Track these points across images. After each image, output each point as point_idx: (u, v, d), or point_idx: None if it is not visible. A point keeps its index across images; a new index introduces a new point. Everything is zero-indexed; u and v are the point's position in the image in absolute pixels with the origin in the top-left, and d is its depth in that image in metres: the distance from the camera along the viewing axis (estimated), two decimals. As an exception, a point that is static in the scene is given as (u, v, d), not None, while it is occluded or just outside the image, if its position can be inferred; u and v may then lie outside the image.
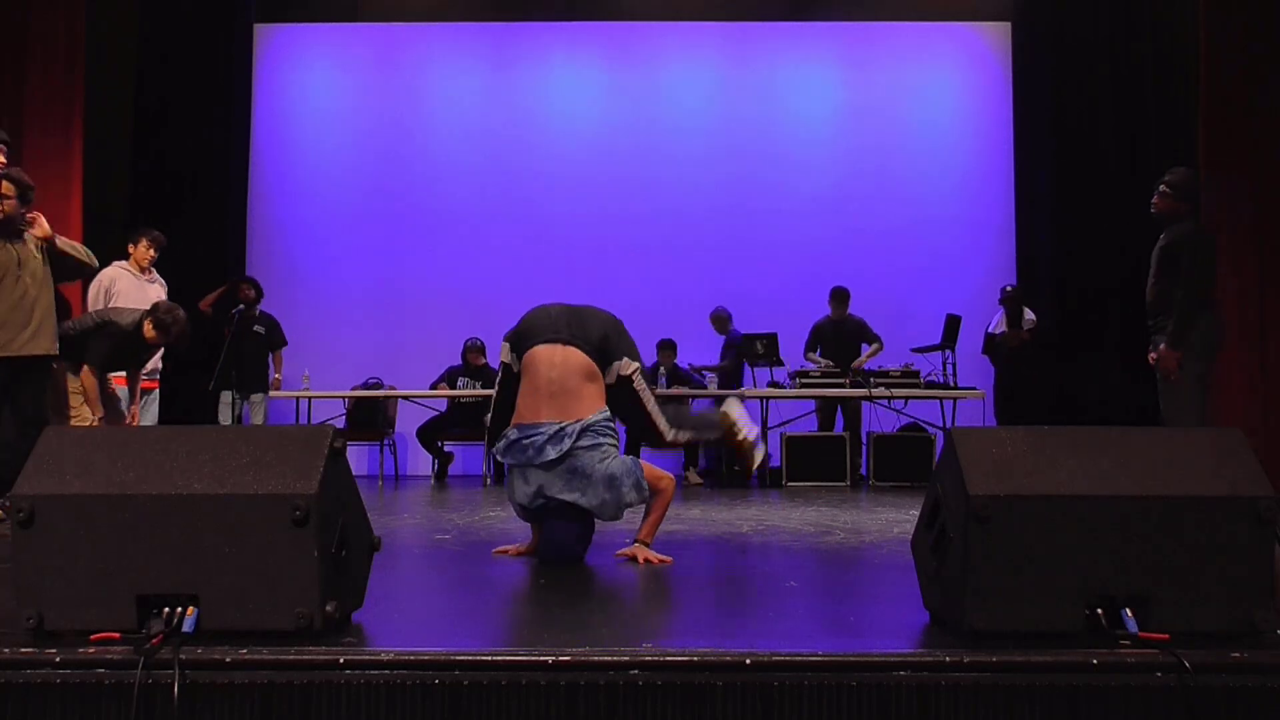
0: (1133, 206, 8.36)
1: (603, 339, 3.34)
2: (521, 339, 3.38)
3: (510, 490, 3.35)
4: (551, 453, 3.20)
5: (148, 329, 5.27)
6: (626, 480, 3.23)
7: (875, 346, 7.93)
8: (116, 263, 6.21)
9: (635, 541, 3.36)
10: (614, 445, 3.30)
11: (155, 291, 6.36)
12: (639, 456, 3.41)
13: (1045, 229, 8.81)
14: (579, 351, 3.30)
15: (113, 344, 5.23)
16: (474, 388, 7.94)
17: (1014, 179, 9.12)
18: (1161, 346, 4.78)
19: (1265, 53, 6.48)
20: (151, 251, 6.33)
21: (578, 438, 3.21)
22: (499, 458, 3.36)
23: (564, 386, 3.27)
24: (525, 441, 3.24)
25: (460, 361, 8.13)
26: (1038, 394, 8.00)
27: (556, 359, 3.29)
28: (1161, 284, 4.91)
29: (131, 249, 6.29)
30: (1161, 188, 4.99)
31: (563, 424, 3.22)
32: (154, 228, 7.88)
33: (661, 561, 3.28)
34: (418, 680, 1.83)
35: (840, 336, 7.99)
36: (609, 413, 3.34)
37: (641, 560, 3.27)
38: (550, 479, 3.23)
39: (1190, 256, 4.81)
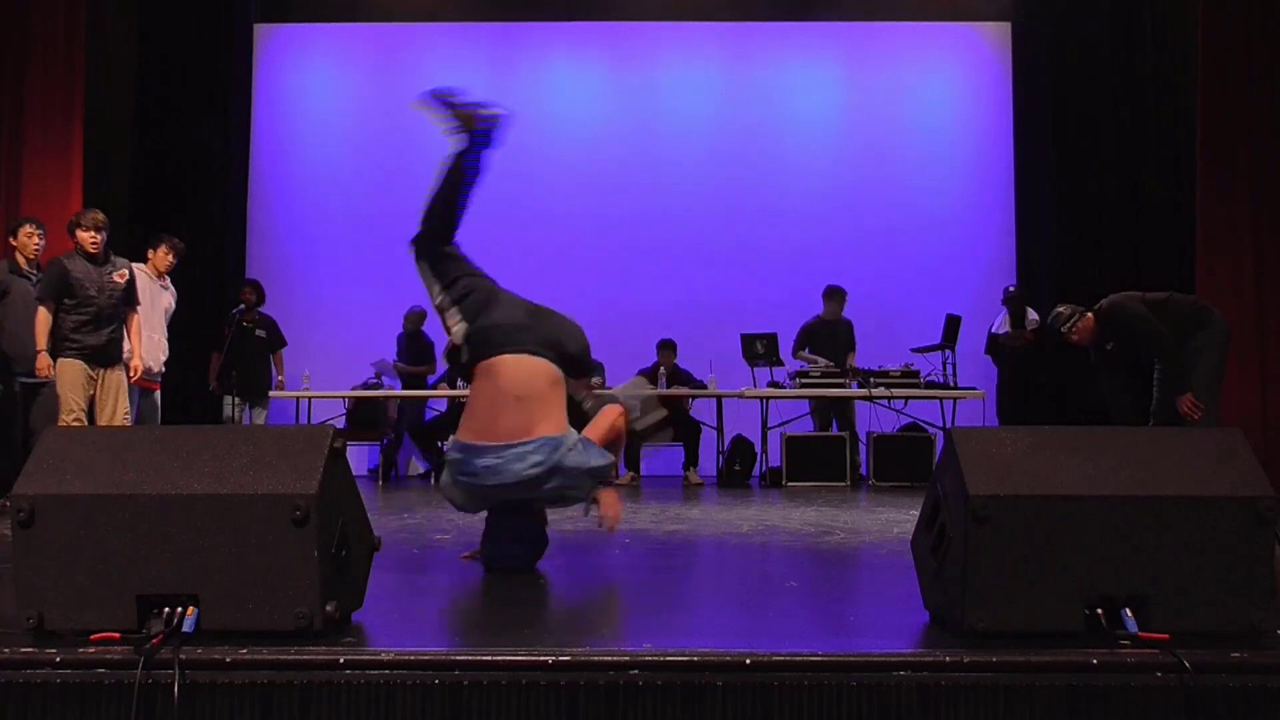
0: (1133, 207, 8.39)
1: (579, 353, 3.18)
2: (482, 343, 3.09)
3: (450, 491, 3.09)
4: (518, 476, 2.94)
5: (78, 237, 5.35)
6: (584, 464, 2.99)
7: (851, 354, 7.96)
8: (135, 264, 6.19)
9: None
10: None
11: (167, 299, 6.36)
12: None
13: (1045, 229, 8.80)
14: (545, 361, 3.06)
15: (59, 272, 5.29)
16: (474, 388, 7.94)
17: (1014, 179, 9.12)
18: (1184, 401, 5.08)
19: (1265, 53, 6.49)
20: (171, 258, 6.26)
21: (550, 471, 2.94)
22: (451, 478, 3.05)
23: (530, 392, 3.00)
24: (482, 464, 2.95)
25: (461, 361, 8.14)
26: (1040, 394, 8.00)
27: (523, 368, 3.02)
28: (1152, 365, 5.27)
29: (151, 254, 6.22)
30: (1065, 329, 5.42)
31: (525, 443, 2.93)
32: (153, 227, 7.82)
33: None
34: (418, 680, 1.83)
35: (833, 337, 8.00)
36: (574, 436, 3.05)
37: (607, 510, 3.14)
38: (508, 491, 2.98)
39: (1135, 337, 5.23)
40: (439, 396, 7.99)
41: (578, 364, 3.18)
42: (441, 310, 3.21)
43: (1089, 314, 5.38)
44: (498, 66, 9.28)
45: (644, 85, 9.28)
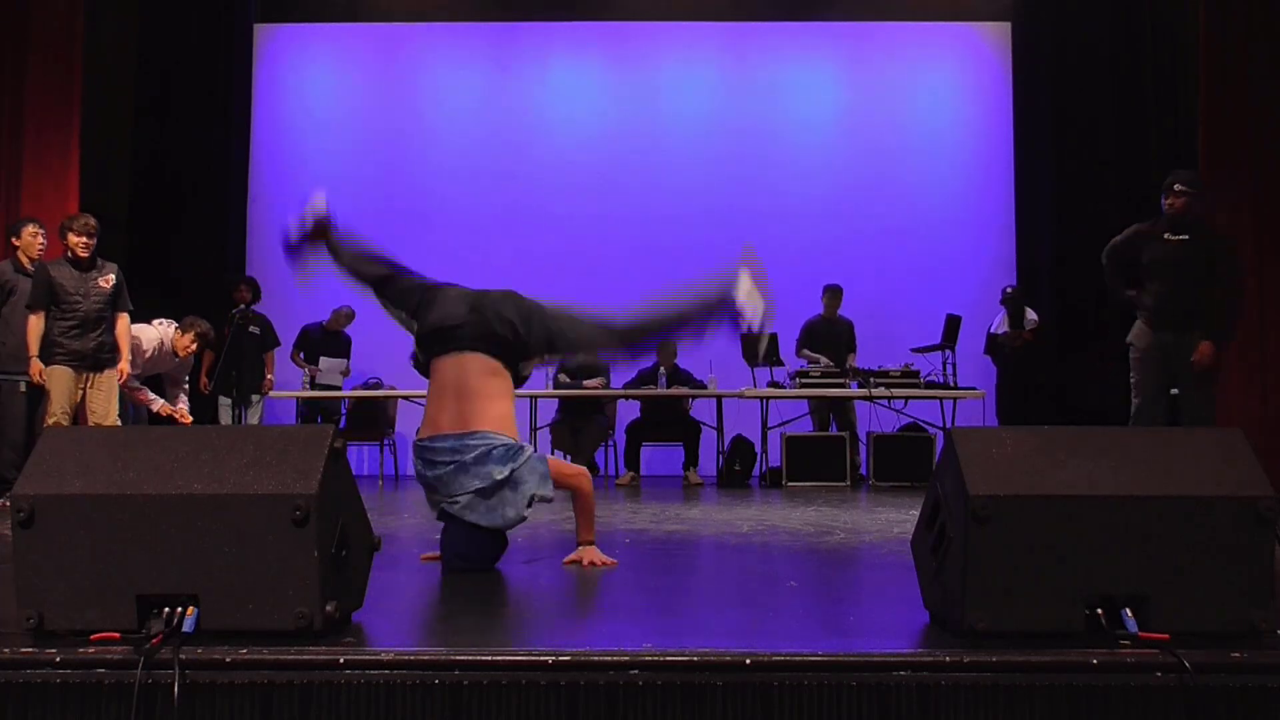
0: (1133, 206, 8.37)
1: (514, 336, 3.14)
2: (426, 346, 3.21)
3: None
4: (449, 468, 3.05)
5: (69, 240, 5.42)
6: (526, 480, 3.04)
7: (852, 355, 7.96)
8: (161, 322, 6.25)
9: (579, 545, 3.23)
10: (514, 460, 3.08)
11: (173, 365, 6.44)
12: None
13: (1045, 229, 8.81)
14: (480, 356, 3.11)
15: (44, 279, 5.38)
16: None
17: (1014, 179, 9.12)
18: (1207, 344, 5.04)
19: (1265, 53, 6.48)
20: (194, 347, 6.30)
21: (477, 459, 3.03)
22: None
23: (465, 389, 3.08)
24: (427, 456, 3.10)
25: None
26: (1040, 394, 8.00)
27: (459, 366, 3.11)
28: (1193, 285, 5.04)
29: (177, 335, 6.22)
30: (1182, 188, 5.17)
31: (461, 436, 3.04)
32: (153, 229, 7.81)
33: (606, 564, 3.13)
34: (418, 680, 1.83)
35: (835, 335, 8.00)
36: (512, 440, 3.10)
37: (586, 564, 3.13)
38: (447, 489, 3.08)
39: (1234, 261, 5.21)
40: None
41: (515, 348, 3.17)
42: (408, 327, 3.33)
43: (1198, 211, 5.20)
44: (498, 66, 9.28)
45: (644, 85, 9.28)
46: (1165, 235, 5.20)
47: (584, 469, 3.30)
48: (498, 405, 3.11)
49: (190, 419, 6.10)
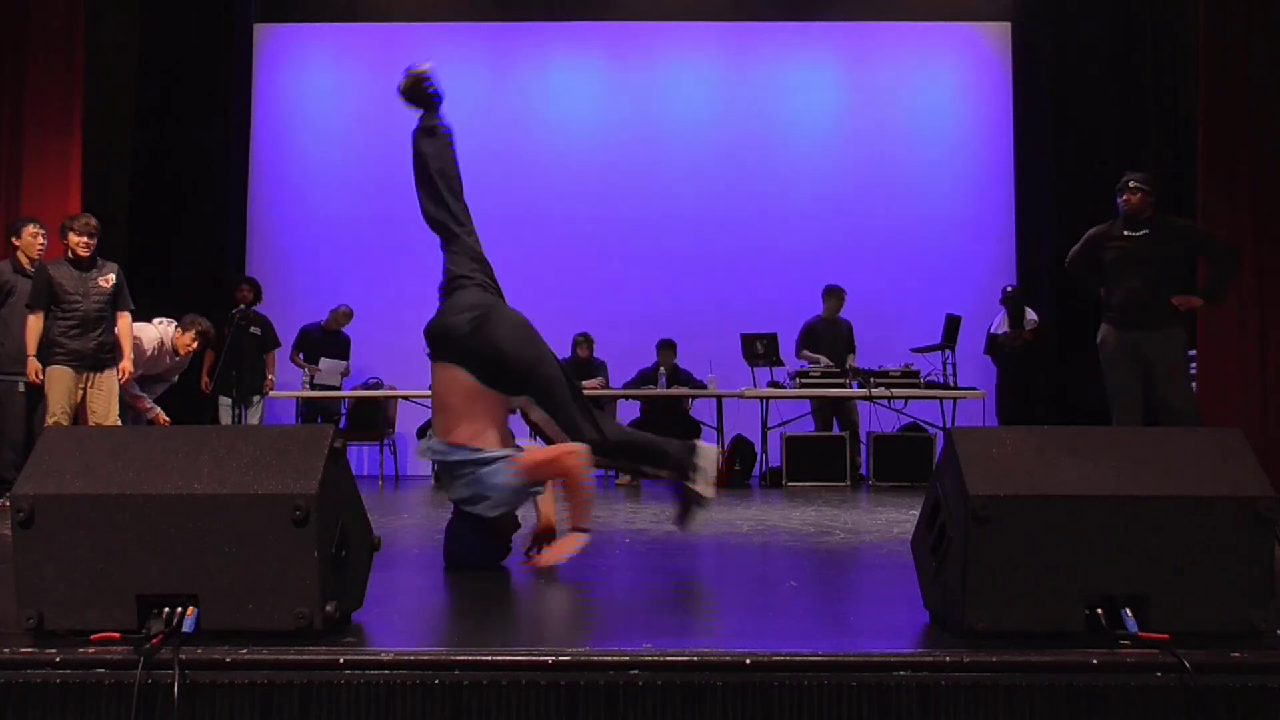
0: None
1: (508, 371, 3.10)
2: (429, 339, 3.22)
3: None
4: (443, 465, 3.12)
5: (69, 240, 5.42)
6: (490, 496, 2.99)
7: (852, 356, 7.96)
8: (160, 321, 6.21)
9: (570, 530, 3.10)
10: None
11: (173, 363, 6.41)
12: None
13: (1045, 229, 8.81)
14: (463, 374, 3.09)
15: (44, 279, 5.39)
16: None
17: (1014, 179, 9.13)
18: (1195, 299, 5.19)
19: (1265, 53, 6.48)
20: (194, 346, 6.25)
21: (452, 467, 3.06)
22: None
23: (444, 403, 3.12)
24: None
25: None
26: (1039, 394, 8.00)
27: (444, 378, 3.13)
28: (1159, 279, 5.06)
29: (177, 334, 6.18)
30: (1137, 184, 5.24)
31: (443, 441, 3.10)
32: (154, 229, 7.79)
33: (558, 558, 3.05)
34: (418, 680, 1.83)
35: (837, 336, 8.01)
36: (485, 452, 3.05)
37: (546, 558, 3.05)
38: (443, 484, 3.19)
39: (1211, 238, 5.43)
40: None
41: (508, 381, 3.12)
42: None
43: (1154, 205, 5.23)
44: (498, 66, 9.29)
45: (644, 85, 9.29)
46: (1124, 232, 5.25)
47: (570, 446, 3.06)
48: (473, 424, 3.08)
49: (166, 420, 6.08)
